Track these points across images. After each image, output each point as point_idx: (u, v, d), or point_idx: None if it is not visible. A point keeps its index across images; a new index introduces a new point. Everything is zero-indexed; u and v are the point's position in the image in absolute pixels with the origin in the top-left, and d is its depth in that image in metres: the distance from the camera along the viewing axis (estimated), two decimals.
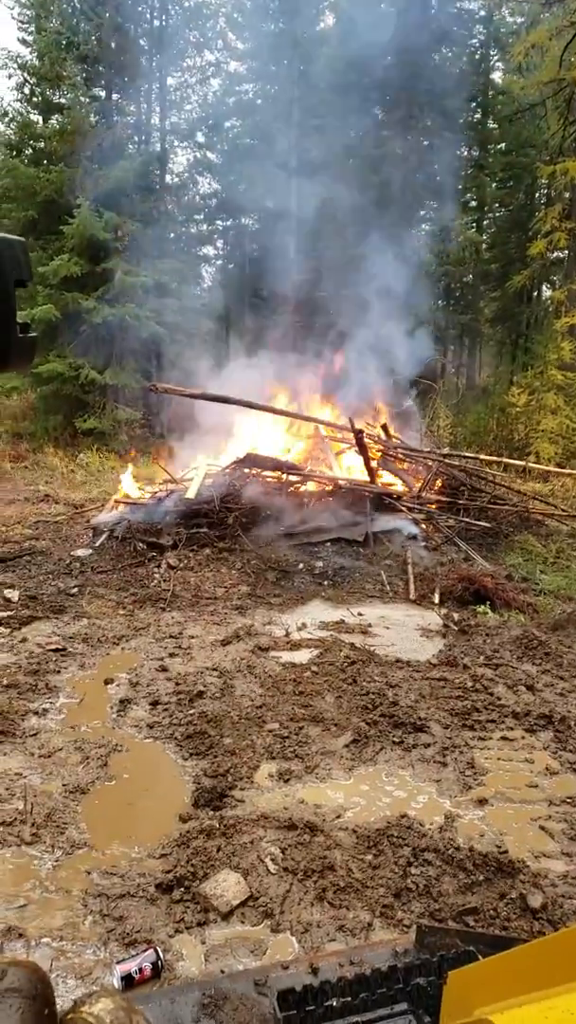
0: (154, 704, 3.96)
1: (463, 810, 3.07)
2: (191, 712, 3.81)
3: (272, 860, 2.58)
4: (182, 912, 2.35)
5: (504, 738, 3.72)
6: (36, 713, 3.83)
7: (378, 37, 17.46)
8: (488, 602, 6.38)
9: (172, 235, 19.34)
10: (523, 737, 3.74)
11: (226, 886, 2.42)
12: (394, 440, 9.56)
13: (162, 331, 16.22)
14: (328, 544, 7.66)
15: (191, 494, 7.72)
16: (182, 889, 2.44)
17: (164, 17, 19.05)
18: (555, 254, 16.89)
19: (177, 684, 4.21)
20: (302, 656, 4.82)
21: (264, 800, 3.05)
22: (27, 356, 0.86)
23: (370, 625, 5.76)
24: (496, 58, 21.36)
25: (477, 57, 21.18)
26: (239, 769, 3.27)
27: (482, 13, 20.35)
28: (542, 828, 2.96)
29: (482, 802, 3.12)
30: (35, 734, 3.60)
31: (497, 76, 21.58)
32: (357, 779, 3.29)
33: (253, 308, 15.11)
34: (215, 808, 2.97)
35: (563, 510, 9.40)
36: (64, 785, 3.13)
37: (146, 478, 10.55)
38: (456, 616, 6.01)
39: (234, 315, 19.40)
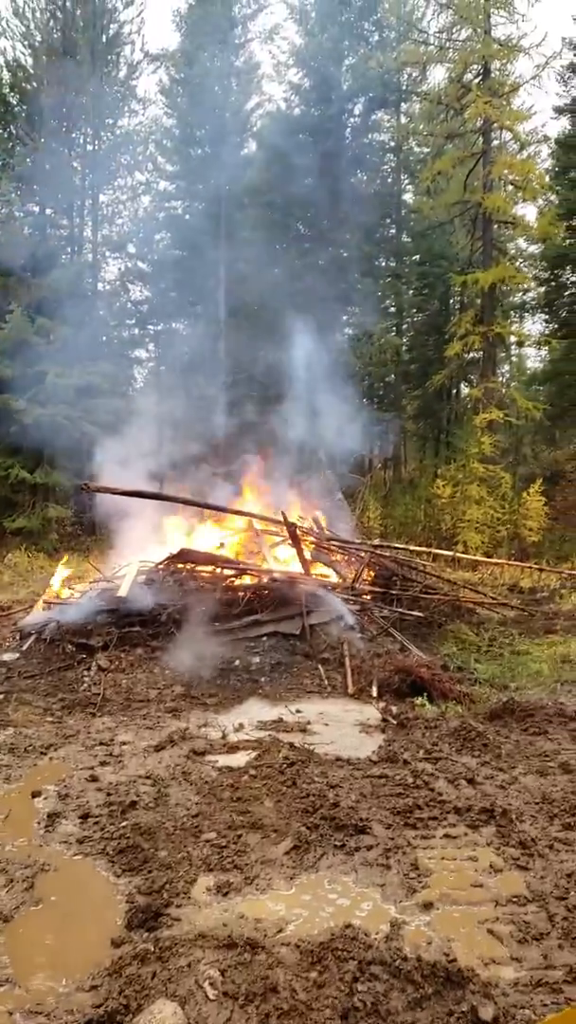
0: (84, 817, 3.74)
1: (409, 916, 2.96)
2: (123, 824, 3.60)
3: (211, 984, 2.41)
4: None
5: (447, 835, 3.65)
6: None
7: (298, 161, 18.95)
8: (425, 693, 6.39)
9: (104, 338, 19.81)
10: (466, 833, 3.67)
11: (162, 1018, 2.24)
12: (326, 532, 9.72)
13: (95, 430, 16.29)
14: (264, 638, 7.59)
15: (123, 592, 7.57)
16: None
17: (96, 143, 20.21)
18: (471, 354, 18.08)
19: (108, 795, 3.99)
20: (239, 759, 4.67)
21: (202, 917, 2.87)
22: None
23: (309, 723, 5.66)
24: (407, 181, 23.37)
25: (389, 180, 23.13)
26: (175, 884, 3.09)
27: (392, 143, 22.39)
28: (490, 931, 2.87)
29: (428, 906, 3.02)
30: None
31: (408, 197, 23.59)
32: (299, 888, 3.15)
33: (186, 407, 15.43)
34: (150, 929, 2.78)
35: (492, 598, 9.65)
36: None
37: (77, 577, 10.34)
38: (395, 709, 5.98)
39: (166, 415, 19.71)
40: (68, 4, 19.46)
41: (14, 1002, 2.37)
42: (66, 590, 8.65)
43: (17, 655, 7.21)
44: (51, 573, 10.82)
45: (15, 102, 18.90)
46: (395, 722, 5.67)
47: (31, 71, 19.07)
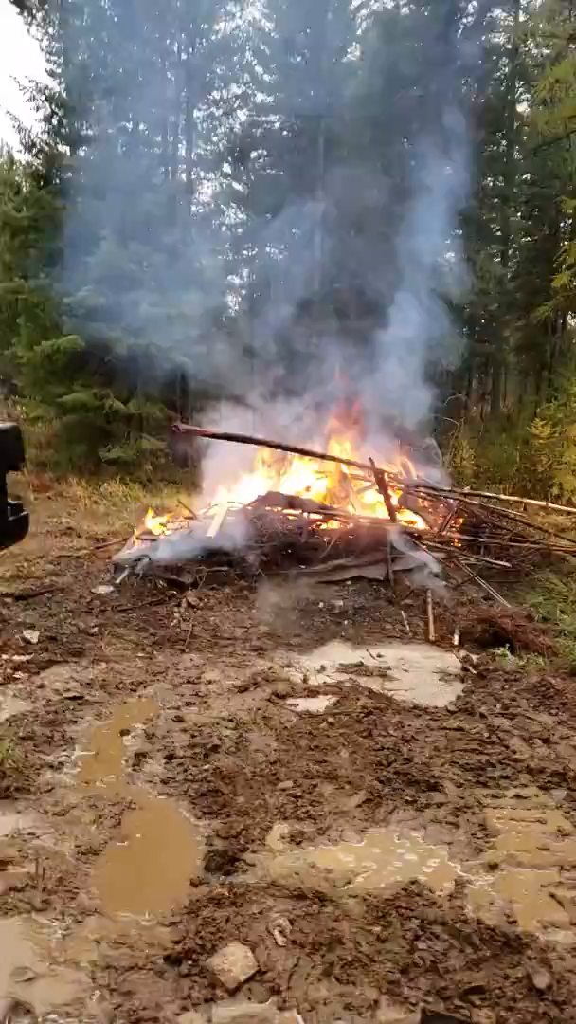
0: (169, 758, 3.98)
1: (474, 875, 3.05)
2: (205, 768, 3.82)
3: (281, 932, 2.59)
4: (189, 987, 2.36)
5: (518, 796, 3.69)
6: (52, 767, 3.87)
7: (405, 70, 17.75)
8: (508, 644, 6.33)
9: (198, 265, 19.63)
10: (536, 795, 3.70)
11: (234, 960, 2.43)
12: (415, 478, 9.58)
13: (187, 362, 16.41)
14: (349, 583, 7.67)
15: (212, 533, 7.79)
16: (190, 963, 2.45)
17: (191, 50, 19.44)
18: None
19: (192, 736, 4.23)
20: (319, 704, 4.82)
21: (275, 865, 3.05)
22: (18, 534, 0.92)
23: (389, 668, 5.75)
24: (522, 90, 21.52)
25: (503, 89, 21.36)
26: (251, 831, 3.28)
27: (508, 46, 20.54)
28: (552, 896, 2.93)
29: (493, 867, 3.09)
30: (50, 790, 3.64)
31: (523, 108, 21.76)
32: (369, 841, 3.28)
33: (278, 342, 15.25)
34: (226, 873, 2.98)
35: None
36: (77, 846, 3.16)
37: (169, 510, 10.66)
38: (475, 659, 5.96)
39: (260, 348, 19.59)
40: None
41: (102, 932, 2.62)
42: (158, 527, 8.95)
43: (112, 588, 7.59)
44: (146, 504, 11.23)
45: (107, 6, 18.15)
46: (475, 672, 5.66)
47: None
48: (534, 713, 4.80)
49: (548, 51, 18.55)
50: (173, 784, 3.71)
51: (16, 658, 5.57)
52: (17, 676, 5.24)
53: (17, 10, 18.14)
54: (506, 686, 5.31)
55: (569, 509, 10.35)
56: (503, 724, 4.56)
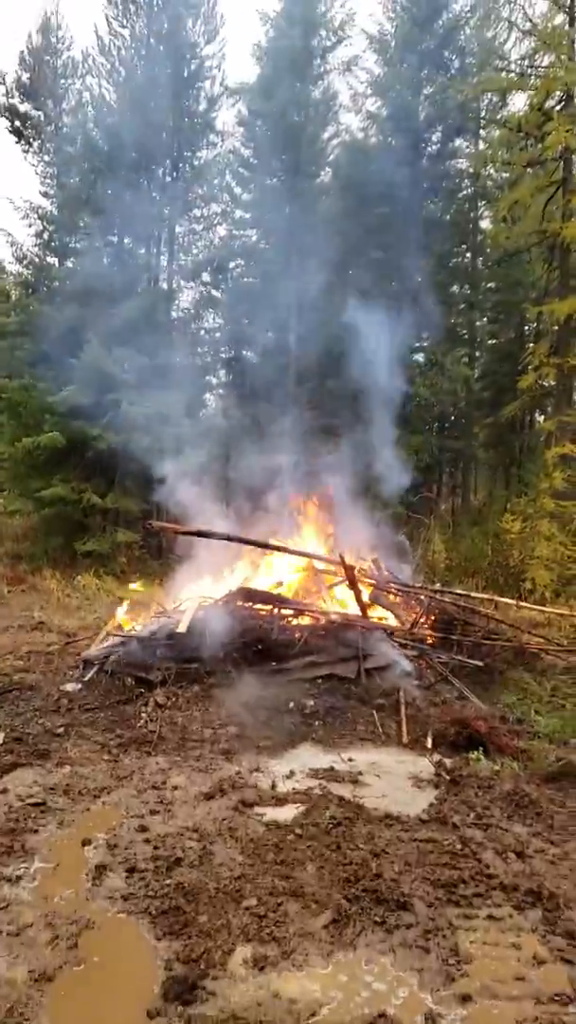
0: (131, 871, 3.83)
1: (445, 1008, 2.91)
2: (167, 882, 3.67)
3: None
4: None
5: (491, 916, 3.57)
6: (9, 881, 3.70)
7: (374, 189, 19.07)
8: (482, 747, 6.25)
9: (177, 367, 20.34)
10: (511, 915, 3.58)
11: None
12: (385, 574, 9.67)
13: (165, 457, 16.69)
14: (320, 681, 7.58)
15: (182, 628, 7.72)
16: None
17: (175, 174, 20.85)
18: (546, 382, 17.70)
19: (156, 848, 4.08)
20: (287, 814, 4.69)
21: (237, 993, 2.90)
22: None
23: (360, 773, 5.62)
24: (484, 208, 23.16)
25: (466, 207, 22.97)
26: (212, 953, 3.13)
27: (470, 171, 22.26)
28: None
29: (466, 998, 2.95)
30: (6, 906, 3.47)
31: (485, 223, 23.37)
32: (336, 966, 3.14)
33: (254, 438, 15.70)
34: (184, 1003, 2.82)
35: (558, 644, 9.36)
36: (30, 971, 2.99)
37: (142, 604, 10.58)
38: (448, 763, 5.87)
39: (235, 443, 20.07)
40: (152, 41, 20.17)
41: None
42: (129, 622, 8.88)
43: (80, 686, 7.45)
44: (118, 597, 11.16)
45: (98, 136, 19.66)
46: (448, 778, 5.55)
47: (114, 106, 19.82)
48: (508, 824, 4.70)
49: (507, 175, 20.19)
50: (133, 900, 3.55)
51: None
52: None
53: (16, 139, 19.59)
54: (480, 793, 5.21)
55: (540, 608, 10.44)
56: (476, 836, 4.46)
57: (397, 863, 4.00)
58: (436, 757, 6.03)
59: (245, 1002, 2.84)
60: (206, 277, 22.64)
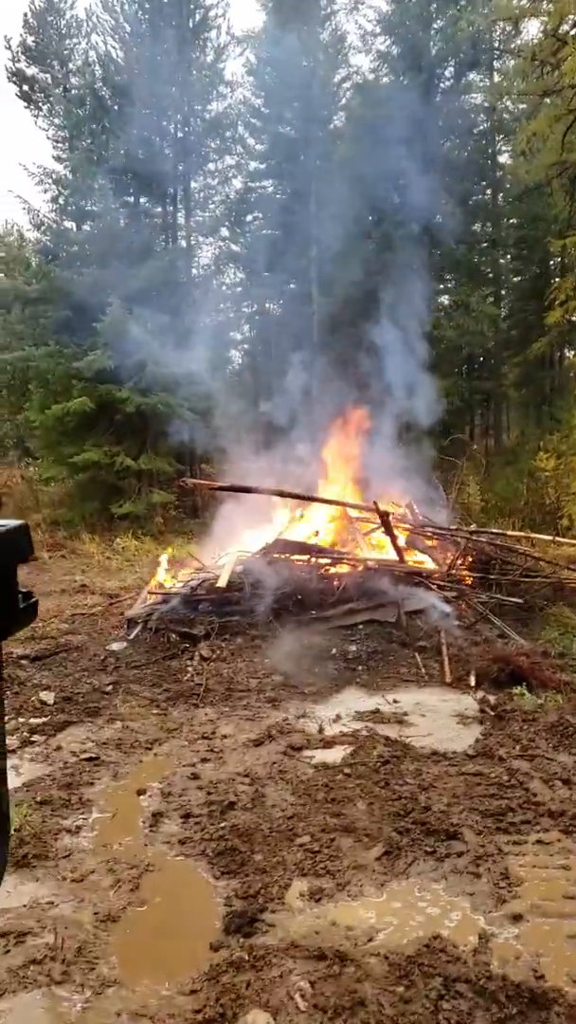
0: (186, 817, 3.96)
1: (498, 927, 2.99)
2: (222, 825, 3.80)
3: (302, 996, 2.54)
4: None
5: (539, 841, 3.63)
6: (69, 831, 3.86)
7: (389, 132, 18.38)
8: (525, 683, 6.27)
9: (200, 324, 20.17)
10: (559, 840, 3.64)
11: None
12: (420, 518, 9.62)
13: (193, 416, 16.76)
14: (361, 627, 7.64)
15: (222, 582, 7.82)
16: None
17: (187, 128, 20.36)
18: (573, 317, 17.16)
19: (209, 793, 4.21)
20: (335, 755, 4.79)
21: (295, 924, 3.01)
22: (27, 621, 0.99)
23: (406, 714, 5.70)
24: (502, 143, 22.25)
25: (484, 143, 22.09)
26: (270, 889, 3.24)
27: (485, 105, 21.34)
28: None
29: (517, 918, 3.03)
30: (68, 855, 3.63)
31: (504, 159, 22.49)
32: (389, 895, 3.23)
33: (279, 391, 15.60)
34: (246, 935, 2.94)
35: None
36: (95, 914, 3.13)
37: (181, 562, 10.72)
38: (492, 700, 5.91)
39: (263, 397, 19.98)
40: None
41: (122, 1003, 2.59)
42: (169, 580, 9.01)
43: (125, 644, 7.62)
44: (157, 557, 11.32)
45: (107, 95, 19.29)
46: (493, 714, 5.61)
47: (121, 63, 19.36)
48: (554, 754, 4.74)
49: (524, 106, 19.27)
50: (190, 844, 3.69)
51: (33, 720, 5.60)
52: (34, 739, 5.26)
53: (25, 103, 19.30)
54: (524, 727, 5.25)
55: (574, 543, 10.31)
56: (523, 767, 4.51)
57: (445, 796, 4.07)
58: (480, 694, 6.07)
59: (303, 931, 2.95)
60: (224, 232, 22.25)
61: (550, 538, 9.88)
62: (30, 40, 19.41)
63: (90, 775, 4.57)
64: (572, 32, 14.38)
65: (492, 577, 8.53)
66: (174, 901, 3.26)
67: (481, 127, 21.78)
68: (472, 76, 21.39)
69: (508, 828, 3.77)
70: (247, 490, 8.30)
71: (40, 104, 19.49)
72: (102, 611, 9.34)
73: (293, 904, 3.16)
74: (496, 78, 21.00)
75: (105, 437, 16.95)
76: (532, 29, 19.45)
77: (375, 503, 8.37)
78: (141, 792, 4.29)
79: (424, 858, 3.50)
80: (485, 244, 22.38)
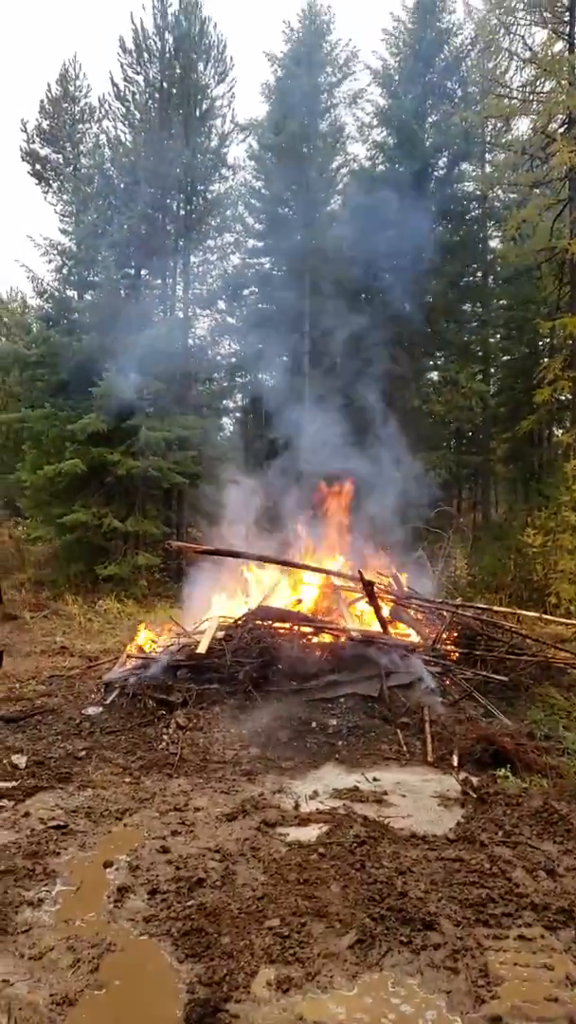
0: (152, 893, 3.78)
1: None
2: (189, 904, 3.62)
3: None
4: None
5: (521, 936, 3.46)
6: (31, 904, 3.67)
7: (383, 215, 19.26)
8: (509, 764, 6.13)
9: (193, 392, 20.58)
10: (542, 936, 3.47)
11: None
12: (406, 590, 9.59)
13: (183, 481, 16.90)
14: (342, 699, 7.49)
15: (202, 649, 7.70)
16: None
17: (189, 207, 21.29)
18: (562, 396, 17.64)
19: (178, 868, 4.03)
20: (310, 833, 4.61)
21: (261, 1016, 2.83)
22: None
23: (385, 793, 5.52)
24: (493, 229, 23.34)
25: (475, 228, 23.16)
26: (235, 976, 3.06)
27: (477, 193, 22.49)
28: None
29: (495, 1020, 2.86)
30: (27, 930, 3.43)
31: (495, 243, 23.55)
32: (361, 988, 3.05)
33: (270, 457, 15.81)
34: None
35: None
36: (51, 995, 2.94)
37: (162, 626, 10.57)
38: (475, 781, 5.75)
39: (252, 465, 20.19)
40: (165, 84, 20.79)
41: None
42: (149, 644, 8.87)
43: (101, 709, 7.44)
44: (139, 620, 11.20)
45: (114, 175, 20.23)
46: (475, 796, 5.45)
47: (129, 146, 20.36)
48: (538, 841, 4.58)
49: (514, 196, 20.35)
50: (155, 922, 3.50)
51: (2, 784, 5.43)
52: (2, 804, 5.07)
53: (36, 181, 20.19)
54: (508, 811, 5.09)
55: (566, 621, 10.27)
56: (505, 854, 4.35)
57: (423, 882, 3.91)
58: (462, 775, 5.91)
59: None
60: (221, 304, 22.94)
61: (537, 615, 9.85)
62: (45, 124, 20.42)
63: (57, 844, 4.38)
64: (560, 129, 15.32)
65: (478, 653, 8.43)
66: (135, 985, 3.07)
67: (473, 213, 22.86)
68: (465, 166, 22.63)
69: (488, 920, 3.60)
70: (232, 555, 8.28)
71: (51, 181, 20.42)
72: (80, 673, 9.16)
73: (259, 994, 2.98)
74: (488, 169, 22.21)
75: (94, 499, 17.02)
76: (522, 126, 20.81)
77: (360, 572, 8.34)
78: (108, 864, 4.10)
79: (399, 949, 3.32)
80: (475, 323, 23.15)
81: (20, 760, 5.99)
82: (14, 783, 5.45)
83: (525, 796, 5.36)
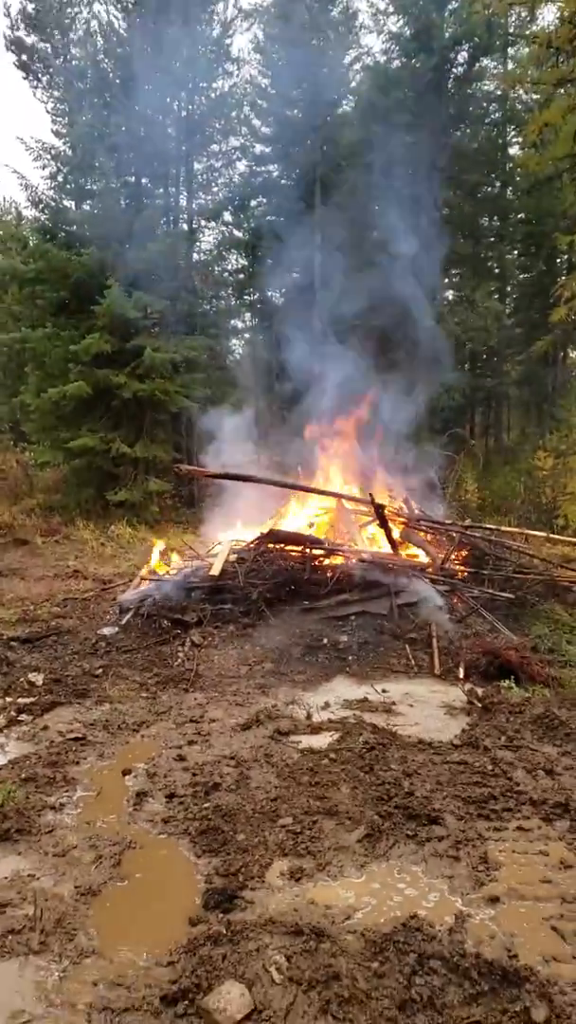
0: (170, 797, 3.98)
1: (474, 909, 3.02)
2: (206, 806, 3.82)
3: (277, 969, 2.57)
4: None
5: (520, 828, 3.66)
6: (53, 808, 3.88)
7: (398, 118, 18.31)
8: (513, 676, 6.31)
9: (200, 311, 20.03)
10: (539, 827, 3.67)
11: (230, 999, 2.42)
12: (416, 512, 9.64)
13: (192, 405, 16.70)
14: (353, 617, 7.66)
15: (215, 571, 7.84)
16: (186, 1003, 2.44)
17: (191, 107, 20.13)
18: None
19: (194, 775, 4.23)
20: (321, 741, 4.81)
21: (274, 902, 3.03)
22: None
23: (394, 703, 5.73)
24: (513, 134, 22.13)
25: (494, 133, 21.97)
26: (250, 867, 3.27)
27: (498, 93, 21.19)
28: (554, 929, 2.90)
29: (494, 900, 3.07)
30: (51, 831, 3.65)
31: (515, 150, 22.37)
32: (369, 876, 3.26)
33: (281, 379, 15.59)
34: (224, 911, 2.97)
35: None
36: (76, 887, 3.16)
37: (176, 549, 10.73)
38: (480, 692, 5.93)
39: (263, 388, 19.91)
40: None
41: (99, 973, 2.61)
42: (163, 566, 9.02)
43: (116, 629, 7.64)
44: (151, 545, 11.36)
45: (109, 68, 18.91)
46: (480, 705, 5.64)
47: (124, 34, 18.98)
48: (538, 745, 4.77)
49: (537, 96, 19.16)
50: (173, 823, 3.71)
51: (20, 700, 5.62)
52: (21, 719, 5.28)
53: (23, 74, 18.99)
54: (511, 718, 5.28)
55: (573, 541, 10.32)
56: (507, 756, 4.54)
57: (429, 782, 4.10)
58: (468, 686, 6.09)
59: (282, 908, 2.97)
60: (227, 216, 22.10)
61: (544, 535, 9.91)
62: (30, 7, 18.89)
63: (76, 755, 4.59)
64: None
65: (485, 572, 8.54)
66: (155, 877, 3.29)
67: (493, 116, 21.62)
68: (486, 62, 21.21)
69: (489, 815, 3.80)
70: (243, 478, 8.31)
71: (39, 75, 19.08)
72: (94, 596, 9.35)
73: (273, 882, 3.18)
74: (510, 65, 20.85)
75: (101, 423, 16.86)
76: (548, 15, 19.35)
77: (371, 495, 8.38)
78: (126, 772, 4.31)
79: (405, 841, 3.53)
80: (492, 238, 22.29)
81: (37, 678, 6.18)
82: (32, 699, 5.64)
83: (527, 704, 5.54)
